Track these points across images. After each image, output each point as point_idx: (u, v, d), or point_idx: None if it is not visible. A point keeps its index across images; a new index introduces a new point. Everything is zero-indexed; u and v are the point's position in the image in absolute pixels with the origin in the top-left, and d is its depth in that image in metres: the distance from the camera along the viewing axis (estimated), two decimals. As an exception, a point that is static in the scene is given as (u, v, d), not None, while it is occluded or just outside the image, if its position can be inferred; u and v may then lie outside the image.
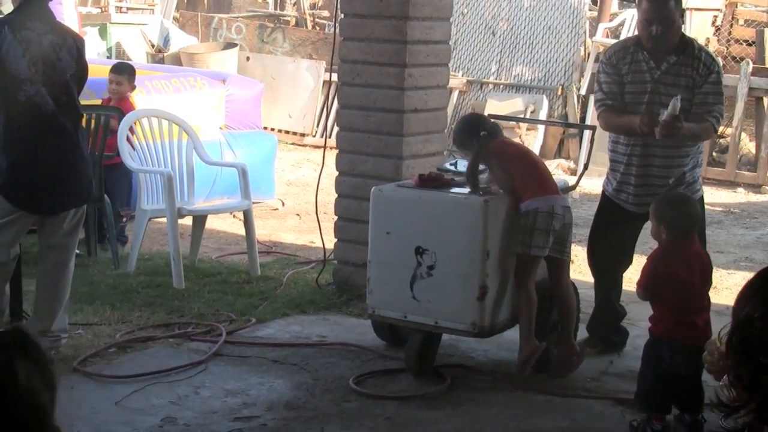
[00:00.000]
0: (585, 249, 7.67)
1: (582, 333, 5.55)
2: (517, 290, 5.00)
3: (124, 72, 7.61)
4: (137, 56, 13.56)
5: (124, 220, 7.40)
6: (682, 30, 5.24)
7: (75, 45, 5.13)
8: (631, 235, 5.48)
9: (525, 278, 4.98)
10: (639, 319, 5.58)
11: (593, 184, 10.87)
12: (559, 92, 12.26)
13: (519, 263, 4.98)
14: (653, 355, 4.54)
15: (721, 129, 12.46)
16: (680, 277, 4.48)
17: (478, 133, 5.05)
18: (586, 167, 6.04)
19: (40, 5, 5.07)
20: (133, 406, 4.66)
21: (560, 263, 5.10)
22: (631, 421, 4.65)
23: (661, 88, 5.14)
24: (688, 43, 5.17)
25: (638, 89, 5.20)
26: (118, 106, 7.31)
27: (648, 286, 4.57)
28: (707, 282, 4.61)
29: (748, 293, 1.66)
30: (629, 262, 5.61)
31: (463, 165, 5.44)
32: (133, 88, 7.63)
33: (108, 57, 13.35)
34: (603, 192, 5.53)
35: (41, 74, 4.97)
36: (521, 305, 4.99)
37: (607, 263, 5.53)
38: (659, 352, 4.50)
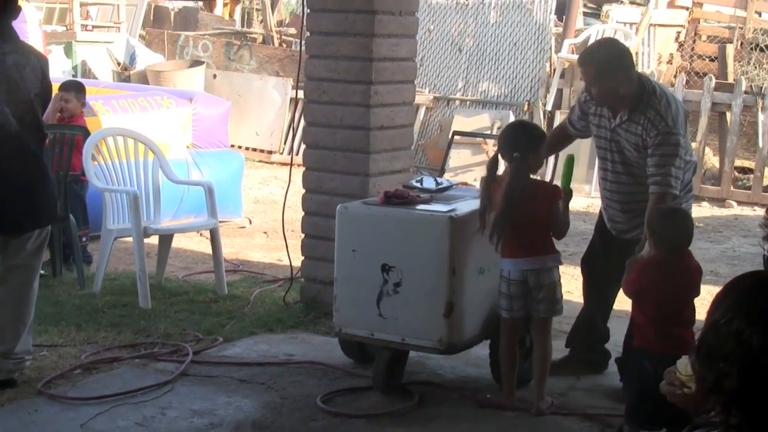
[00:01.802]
0: (568, 267, 7.71)
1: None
2: (500, 346, 5.01)
3: (71, 89, 7.55)
4: (103, 74, 13.50)
5: (84, 239, 7.34)
6: (650, 84, 5.12)
7: (39, 64, 5.10)
8: (621, 257, 5.45)
9: (503, 337, 4.97)
10: (613, 334, 5.59)
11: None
12: (526, 108, 12.32)
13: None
14: (635, 367, 4.51)
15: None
16: (662, 290, 4.45)
17: (513, 152, 4.85)
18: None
19: (4, 24, 5.03)
20: (99, 428, 4.62)
21: (536, 322, 5.02)
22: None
23: (617, 137, 5.16)
24: (641, 101, 5.05)
25: (601, 134, 5.25)
26: (83, 126, 7.27)
27: (630, 290, 4.59)
28: (692, 295, 4.55)
29: (716, 302, 1.71)
30: (619, 284, 5.59)
31: (428, 182, 5.45)
32: (83, 104, 7.55)
33: (74, 75, 13.28)
34: (600, 212, 5.56)
35: (5, 94, 4.93)
36: (501, 361, 5.01)
37: (598, 284, 5.52)
38: (640, 363, 4.46)
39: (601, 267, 5.47)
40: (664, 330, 4.40)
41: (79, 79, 12.63)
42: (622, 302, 5.71)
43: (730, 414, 1.63)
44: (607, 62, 5.04)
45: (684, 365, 2.31)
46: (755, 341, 1.58)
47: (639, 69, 13.23)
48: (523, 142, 4.88)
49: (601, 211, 5.53)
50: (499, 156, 4.94)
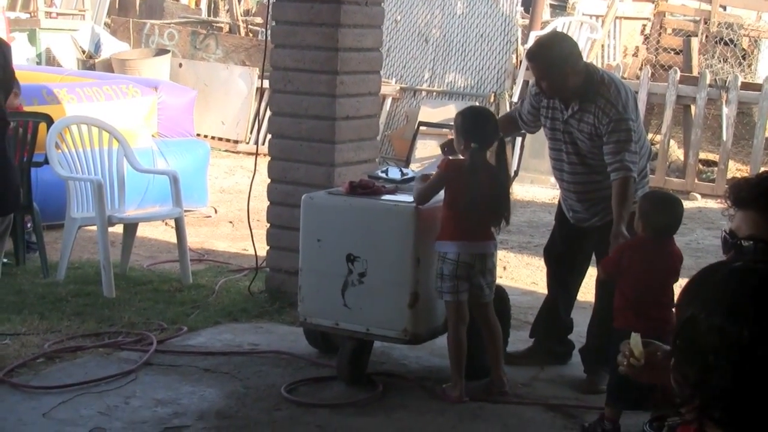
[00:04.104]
0: (517, 255, 7.77)
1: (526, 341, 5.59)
2: (448, 333, 4.99)
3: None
4: (68, 62, 13.39)
5: (29, 225, 7.22)
6: (598, 73, 5.18)
7: (1, 51, 5.05)
8: (582, 247, 5.48)
9: (450, 322, 4.96)
10: (575, 325, 5.63)
11: (525, 190, 10.99)
12: (492, 99, 12.35)
13: (446, 308, 4.98)
14: (617, 348, 4.53)
15: (650, 136, 12.66)
16: (642, 272, 4.51)
17: (470, 141, 4.91)
18: (516, 174, 6.09)
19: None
20: (61, 417, 4.60)
21: (480, 306, 5.05)
22: (583, 423, 4.69)
23: (570, 128, 5.21)
24: (589, 91, 5.10)
25: (555, 126, 5.28)
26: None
27: (609, 271, 4.63)
28: (672, 280, 4.61)
29: (689, 294, 1.70)
30: (582, 277, 5.64)
31: (394, 172, 5.46)
32: (17, 94, 7.34)
33: (38, 63, 13.17)
34: (559, 202, 5.60)
35: (-34, 81, 4.89)
36: (449, 349, 4.99)
37: (561, 273, 5.55)
38: (620, 343, 4.48)
39: (562, 256, 5.51)
40: (643, 311, 4.45)
41: (43, 66, 12.56)
42: (586, 293, 5.77)
43: (713, 408, 1.62)
44: (556, 56, 5.10)
45: (635, 341, 2.39)
46: (746, 334, 1.58)
47: (604, 62, 13.31)
48: (482, 133, 4.93)
49: (560, 201, 5.57)
50: (454, 141, 4.98)
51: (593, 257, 5.46)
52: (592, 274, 5.47)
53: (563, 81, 5.11)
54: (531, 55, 5.25)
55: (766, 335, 1.58)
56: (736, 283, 1.67)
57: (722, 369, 1.61)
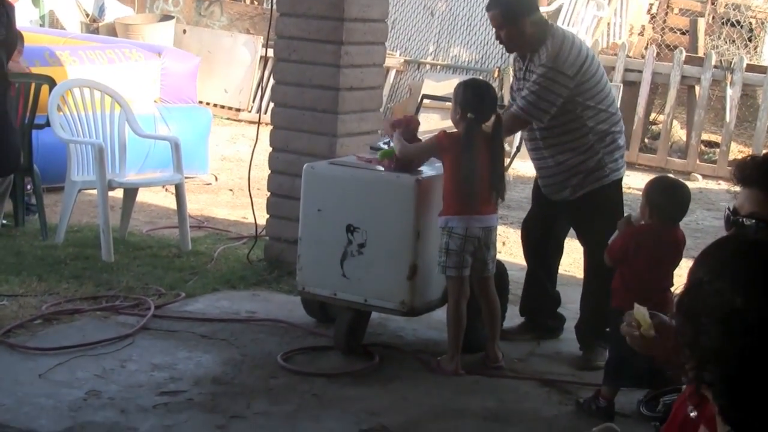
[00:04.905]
0: (517, 230, 7.76)
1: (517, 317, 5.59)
2: (448, 308, 4.99)
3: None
4: (71, 26, 13.34)
5: (29, 187, 7.20)
6: (554, 28, 5.22)
7: (4, 11, 5.04)
8: (557, 220, 5.48)
9: (452, 297, 4.95)
10: (568, 302, 5.65)
11: (527, 166, 10.96)
12: (496, 74, 12.30)
13: (448, 283, 4.98)
14: (614, 327, 4.55)
15: (653, 116, 12.65)
16: (647, 259, 4.49)
17: (467, 111, 4.90)
18: (518, 149, 6.08)
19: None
20: (57, 378, 4.61)
21: (482, 280, 5.05)
22: (578, 398, 4.70)
23: (524, 84, 5.20)
24: (540, 47, 5.12)
25: (518, 85, 5.28)
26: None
27: (615, 257, 4.61)
28: (673, 267, 4.61)
29: (701, 259, 1.75)
30: (560, 249, 5.64)
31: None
32: (20, 52, 7.30)
33: (41, 25, 13.11)
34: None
35: (-31, 40, 4.87)
36: (448, 323, 4.99)
37: (537, 246, 5.57)
38: (618, 323, 4.49)
39: (539, 229, 5.53)
40: (643, 294, 4.44)
41: (46, 29, 12.50)
42: (571, 268, 5.74)
43: (704, 369, 1.67)
44: (512, 3, 5.14)
45: (641, 313, 2.39)
46: (738, 302, 1.62)
47: (610, 40, 13.26)
48: (479, 105, 4.92)
49: (535, 179, 5.57)
50: (451, 111, 4.97)
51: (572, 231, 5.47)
52: (575, 249, 5.48)
53: (521, 30, 5.12)
54: (489, 5, 5.26)
55: (759, 303, 1.61)
56: (745, 253, 1.70)
57: (713, 331, 1.64)
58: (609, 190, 5.24)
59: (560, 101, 5.06)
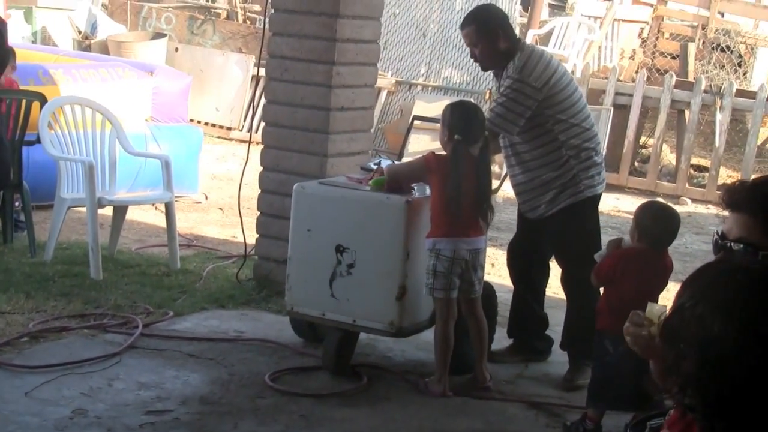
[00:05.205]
0: (506, 252, 7.76)
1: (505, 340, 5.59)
2: (435, 329, 4.99)
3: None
4: (63, 43, 13.34)
5: (17, 204, 7.19)
6: (527, 45, 5.28)
7: (-3, 28, 5.03)
8: (541, 243, 5.48)
9: (440, 318, 4.95)
10: (556, 324, 5.65)
11: (517, 189, 10.97)
12: (487, 96, 12.33)
13: (435, 304, 4.97)
14: (598, 348, 4.56)
15: (643, 140, 12.69)
16: (634, 283, 4.49)
17: (454, 133, 4.91)
18: (506, 176, 6.07)
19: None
20: (44, 396, 4.59)
21: (470, 302, 5.05)
22: (565, 421, 4.69)
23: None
24: (510, 63, 5.17)
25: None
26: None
27: (602, 278, 4.61)
28: (659, 291, 4.57)
29: (686, 284, 1.77)
30: (545, 271, 5.63)
31: (386, 165, 5.44)
32: (14, 67, 7.33)
33: (33, 42, 13.12)
34: None
35: (-40, 56, 4.86)
36: (435, 344, 4.99)
37: (522, 269, 5.57)
38: (602, 344, 4.51)
39: (524, 253, 5.53)
40: (626, 316, 4.42)
41: (39, 45, 12.51)
42: (559, 290, 5.75)
43: (685, 394, 1.68)
44: (486, 20, 5.21)
45: (655, 313, 2.35)
46: (716, 328, 1.62)
47: (601, 63, 13.32)
48: (467, 127, 4.92)
49: None
50: (440, 133, 4.98)
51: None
52: (557, 271, 5.49)
53: (494, 47, 5.16)
54: (463, 23, 5.30)
55: (736, 331, 1.63)
56: (727, 279, 1.72)
57: (691, 356, 1.66)
58: (584, 206, 5.25)
59: (528, 113, 5.09)
